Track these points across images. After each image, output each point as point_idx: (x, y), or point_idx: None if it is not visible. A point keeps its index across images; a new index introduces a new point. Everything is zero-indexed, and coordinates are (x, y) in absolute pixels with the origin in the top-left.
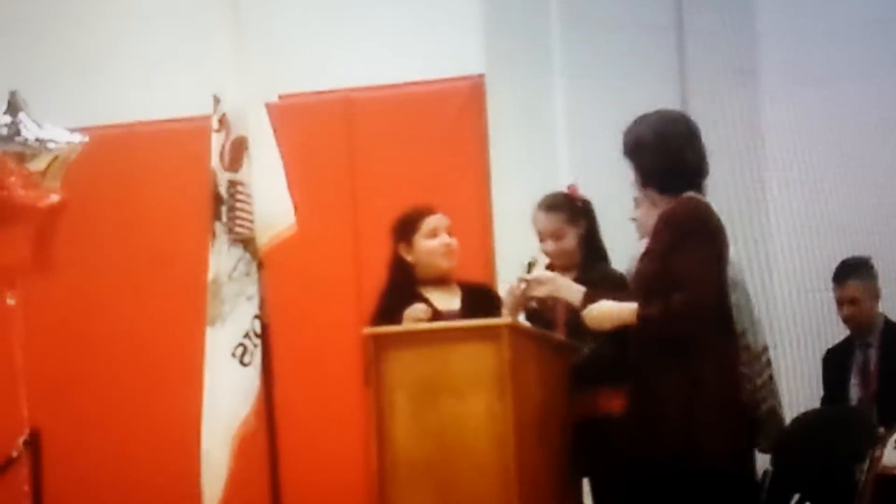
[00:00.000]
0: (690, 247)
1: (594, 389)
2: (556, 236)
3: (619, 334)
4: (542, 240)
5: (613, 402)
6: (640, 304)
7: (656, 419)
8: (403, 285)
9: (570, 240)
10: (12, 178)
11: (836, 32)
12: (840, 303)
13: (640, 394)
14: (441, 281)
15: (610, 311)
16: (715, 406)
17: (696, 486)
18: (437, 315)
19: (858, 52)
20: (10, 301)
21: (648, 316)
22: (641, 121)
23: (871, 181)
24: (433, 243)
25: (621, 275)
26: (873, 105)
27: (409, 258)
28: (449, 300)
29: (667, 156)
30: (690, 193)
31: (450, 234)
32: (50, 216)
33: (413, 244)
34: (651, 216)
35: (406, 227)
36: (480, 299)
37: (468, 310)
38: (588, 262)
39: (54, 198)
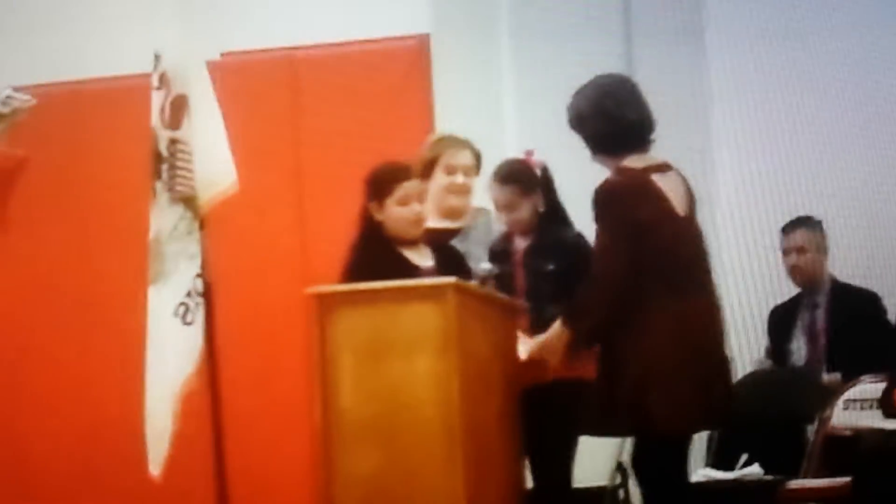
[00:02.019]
0: (600, 228)
1: None
2: (510, 208)
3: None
4: (497, 209)
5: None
6: None
7: (612, 389)
8: (376, 241)
9: (525, 210)
10: None
11: None
12: (787, 252)
13: (600, 365)
14: (411, 242)
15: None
16: (663, 369)
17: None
18: (418, 272)
19: (804, 11)
20: None
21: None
22: (580, 93)
23: (819, 141)
24: (404, 212)
25: (577, 236)
26: (820, 64)
27: (377, 217)
28: (423, 258)
29: (608, 122)
30: (627, 160)
31: (421, 200)
32: (7, 175)
33: (383, 206)
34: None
35: (379, 188)
36: (450, 259)
37: (441, 268)
38: (546, 225)
39: (12, 156)
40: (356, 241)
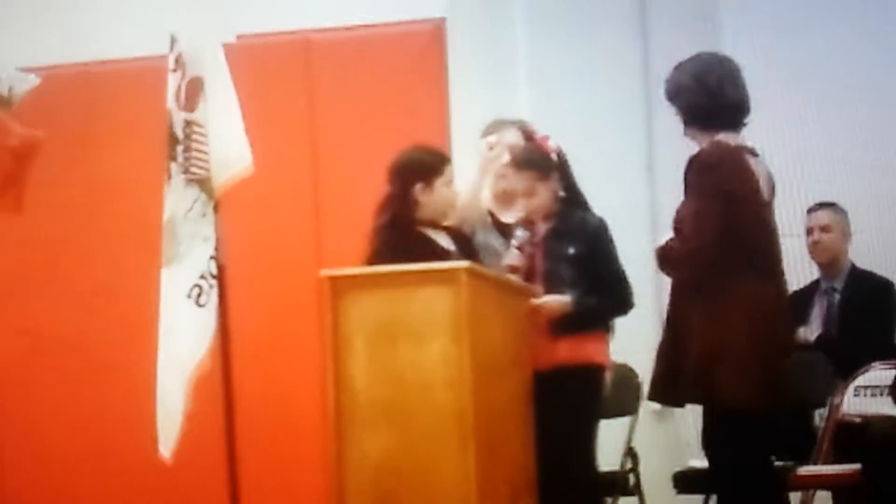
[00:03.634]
0: (693, 195)
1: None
2: (528, 194)
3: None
4: (516, 196)
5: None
6: None
7: (679, 357)
8: (406, 223)
9: (542, 196)
10: None
11: None
12: (810, 231)
13: (666, 331)
14: (434, 225)
15: None
16: (735, 343)
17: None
18: (444, 255)
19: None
20: None
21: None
22: (680, 67)
23: (839, 129)
24: (450, 193)
25: (600, 220)
26: (838, 53)
27: (421, 199)
28: (446, 241)
29: (707, 96)
30: (720, 136)
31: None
32: (22, 155)
33: (433, 188)
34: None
35: (429, 169)
36: (465, 243)
37: (461, 253)
38: (566, 210)
39: (27, 136)
40: (384, 223)
